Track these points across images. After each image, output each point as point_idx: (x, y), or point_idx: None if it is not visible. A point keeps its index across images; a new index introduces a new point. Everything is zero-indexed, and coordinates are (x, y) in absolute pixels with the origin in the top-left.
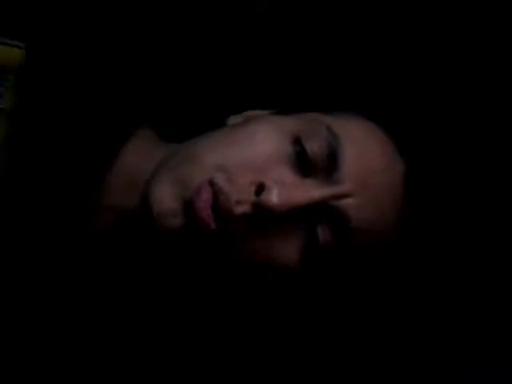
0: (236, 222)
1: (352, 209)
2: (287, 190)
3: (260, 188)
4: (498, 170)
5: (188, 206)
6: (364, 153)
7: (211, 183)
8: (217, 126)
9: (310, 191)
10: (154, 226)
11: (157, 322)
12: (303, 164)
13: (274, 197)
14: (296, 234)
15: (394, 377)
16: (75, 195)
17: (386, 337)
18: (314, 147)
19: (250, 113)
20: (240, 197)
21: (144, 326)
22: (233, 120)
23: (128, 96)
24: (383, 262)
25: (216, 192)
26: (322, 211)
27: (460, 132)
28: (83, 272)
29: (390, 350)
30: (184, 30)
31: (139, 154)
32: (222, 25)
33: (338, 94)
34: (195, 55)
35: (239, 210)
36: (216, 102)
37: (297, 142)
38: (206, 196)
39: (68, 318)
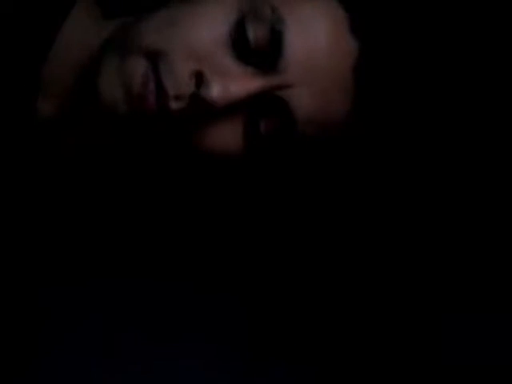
0: (172, 116)
1: (296, 99)
2: (227, 82)
3: (199, 78)
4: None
5: (134, 97)
6: (311, 36)
7: (155, 74)
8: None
9: (251, 82)
10: (101, 111)
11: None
12: (246, 50)
13: (212, 91)
14: (237, 123)
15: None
16: (18, 76)
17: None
18: (257, 33)
19: None
20: (179, 91)
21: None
22: None
23: None
24: (333, 152)
25: (158, 85)
26: (265, 101)
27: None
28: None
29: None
30: None
31: (82, 29)
32: None
33: None
34: None
35: (177, 105)
36: None
37: (239, 24)
38: (151, 91)
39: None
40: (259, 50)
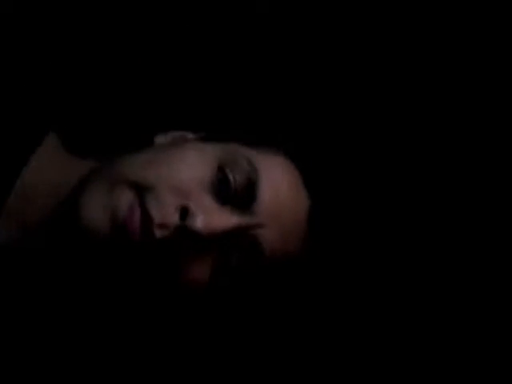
0: (155, 244)
1: (264, 239)
2: (209, 216)
3: (184, 212)
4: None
5: (119, 226)
6: (278, 188)
7: (141, 204)
8: (138, 142)
9: (229, 218)
10: (81, 236)
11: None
12: (224, 192)
13: (198, 222)
14: (210, 255)
15: None
16: None
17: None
18: (236, 178)
19: (176, 133)
20: (165, 220)
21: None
22: (160, 139)
23: (35, 100)
24: (288, 269)
25: (143, 213)
26: (239, 239)
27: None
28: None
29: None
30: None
31: (47, 165)
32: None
33: (259, 128)
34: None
35: (161, 233)
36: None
37: (220, 171)
38: (137, 217)
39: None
40: (237, 193)
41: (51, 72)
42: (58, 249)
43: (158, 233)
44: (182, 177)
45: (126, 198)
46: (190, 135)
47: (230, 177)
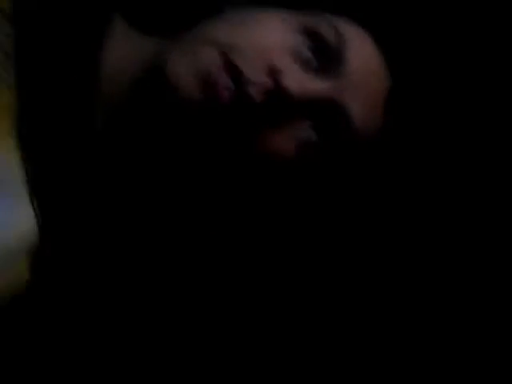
0: (252, 107)
1: (352, 106)
2: (302, 77)
3: (276, 73)
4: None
5: (205, 78)
6: (366, 57)
7: (229, 62)
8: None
9: (322, 84)
10: (170, 95)
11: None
12: (310, 57)
13: (291, 83)
14: (297, 125)
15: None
16: (75, 94)
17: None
18: (322, 42)
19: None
20: (258, 79)
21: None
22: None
23: None
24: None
25: (233, 70)
26: (325, 107)
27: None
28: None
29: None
30: None
31: (121, 46)
32: None
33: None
34: None
35: (260, 97)
36: None
37: (305, 34)
38: (222, 67)
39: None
40: (324, 57)
41: None
42: (150, 122)
43: (254, 92)
44: (269, 39)
45: (213, 58)
46: None
47: (316, 41)
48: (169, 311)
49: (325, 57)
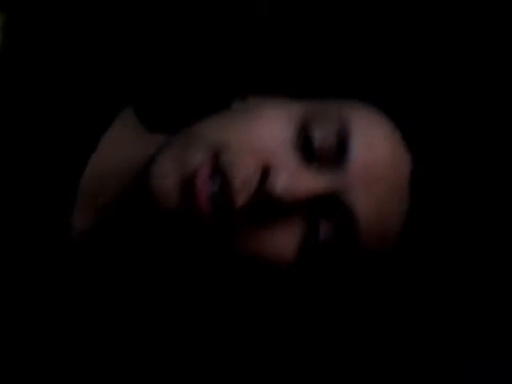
0: (235, 210)
1: (358, 204)
2: (293, 177)
3: (265, 172)
4: (504, 172)
5: (187, 184)
6: (373, 145)
7: (214, 162)
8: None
9: (316, 180)
10: (150, 207)
11: (154, 317)
12: (309, 151)
13: (280, 183)
14: (295, 225)
15: (394, 377)
16: (55, 188)
17: (384, 337)
18: (323, 135)
19: (255, 99)
20: (244, 183)
21: (142, 322)
22: (238, 105)
23: (108, 78)
24: (382, 260)
25: (218, 172)
26: (327, 204)
27: (470, 130)
28: (74, 269)
29: (388, 350)
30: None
31: (122, 142)
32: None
33: (344, 83)
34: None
35: (241, 200)
36: (206, 89)
37: (304, 127)
38: (206, 172)
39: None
40: (324, 152)
41: (125, 46)
42: (132, 228)
43: (239, 198)
44: (262, 134)
45: (199, 159)
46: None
47: (316, 133)
48: None
49: (326, 149)
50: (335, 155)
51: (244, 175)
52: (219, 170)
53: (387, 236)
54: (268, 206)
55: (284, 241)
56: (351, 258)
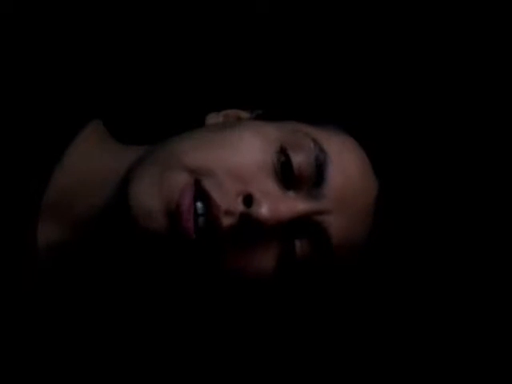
0: (221, 233)
1: (333, 226)
2: (275, 203)
3: (247, 199)
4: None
5: (172, 208)
6: (347, 171)
7: (197, 186)
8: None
9: (296, 205)
10: (132, 228)
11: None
12: (287, 176)
13: (264, 210)
14: (274, 246)
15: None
16: (17, 201)
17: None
18: (301, 160)
19: (230, 112)
20: (229, 206)
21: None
22: (213, 119)
23: (75, 87)
24: (350, 271)
25: (202, 195)
26: (303, 225)
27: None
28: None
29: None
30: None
31: (90, 154)
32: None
33: (319, 105)
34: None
35: (227, 221)
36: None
37: (282, 152)
38: (190, 196)
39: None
40: (302, 177)
41: (94, 57)
42: (109, 245)
43: (225, 220)
44: (242, 161)
45: (181, 182)
46: (244, 114)
47: (294, 159)
48: None
49: (305, 175)
50: (313, 179)
51: (229, 199)
52: (204, 194)
53: (356, 246)
54: (250, 228)
55: (263, 261)
56: (328, 268)
